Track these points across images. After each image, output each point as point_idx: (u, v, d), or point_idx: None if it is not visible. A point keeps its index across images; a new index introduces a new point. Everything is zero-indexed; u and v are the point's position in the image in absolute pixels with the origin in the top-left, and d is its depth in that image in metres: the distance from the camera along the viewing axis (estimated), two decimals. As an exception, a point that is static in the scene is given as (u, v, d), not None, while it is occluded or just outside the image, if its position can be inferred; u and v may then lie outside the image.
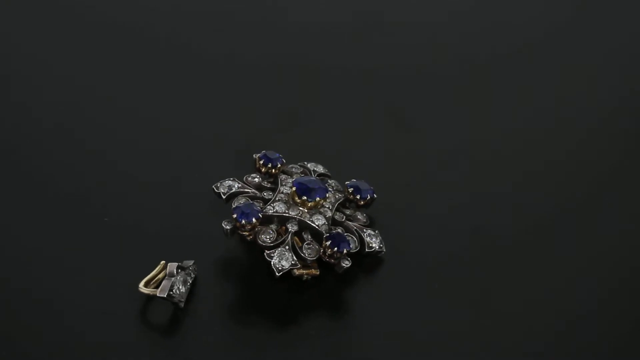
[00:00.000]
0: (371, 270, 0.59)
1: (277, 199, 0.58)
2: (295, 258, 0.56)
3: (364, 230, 0.59)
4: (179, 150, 0.65)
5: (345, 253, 0.56)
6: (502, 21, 0.79)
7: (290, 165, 0.61)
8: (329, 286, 0.58)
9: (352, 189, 0.60)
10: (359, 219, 0.60)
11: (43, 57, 0.72)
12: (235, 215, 0.56)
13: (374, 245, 0.59)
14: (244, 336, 0.56)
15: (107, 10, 0.77)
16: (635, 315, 0.58)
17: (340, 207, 0.60)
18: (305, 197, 0.58)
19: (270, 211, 0.57)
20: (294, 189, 0.58)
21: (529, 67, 0.74)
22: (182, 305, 0.56)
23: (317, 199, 0.58)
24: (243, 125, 0.67)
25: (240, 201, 0.58)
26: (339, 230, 0.58)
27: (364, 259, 0.59)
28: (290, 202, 0.58)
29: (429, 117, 0.69)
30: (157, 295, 0.55)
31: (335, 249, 0.56)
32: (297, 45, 0.75)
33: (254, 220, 0.56)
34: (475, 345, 0.56)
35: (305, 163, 0.62)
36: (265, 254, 0.56)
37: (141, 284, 0.56)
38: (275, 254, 0.56)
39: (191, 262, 0.57)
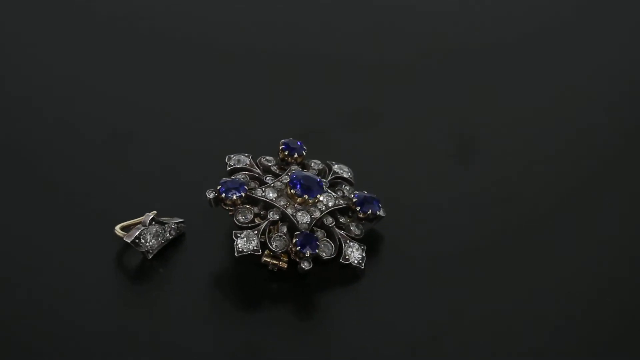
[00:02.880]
0: (371, 269, 0.59)
1: (272, 185, 0.58)
2: (258, 245, 0.56)
3: (348, 241, 0.58)
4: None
5: (309, 256, 0.56)
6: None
7: (313, 161, 0.61)
8: (321, 281, 0.58)
9: (356, 199, 0.59)
10: (351, 229, 0.59)
11: (42, 52, 0.73)
12: (219, 187, 0.57)
13: (351, 259, 0.58)
14: (203, 307, 0.57)
15: (117, 5, 0.78)
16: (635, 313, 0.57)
17: (338, 213, 0.59)
18: (293, 191, 0.58)
19: (259, 194, 0.58)
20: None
21: (530, 63, 0.73)
22: (149, 256, 0.58)
23: (306, 196, 0.58)
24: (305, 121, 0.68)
25: (237, 176, 0.59)
26: (320, 233, 0.58)
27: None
28: (283, 193, 0.58)
29: (426, 113, 0.69)
30: (124, 239, 0.58)
31: (298, 248, 0.56)
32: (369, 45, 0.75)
33: (234, 197, 0.57)
34: (474, 343, 0.55)
35: (333, 163, 0.61)
36: (233, 232, 0.57)
37: (118, 226, 0.58)
38: (242, 235, 0.57)
39: (177, 220, 0.59)
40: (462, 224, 0.61)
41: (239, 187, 0.57)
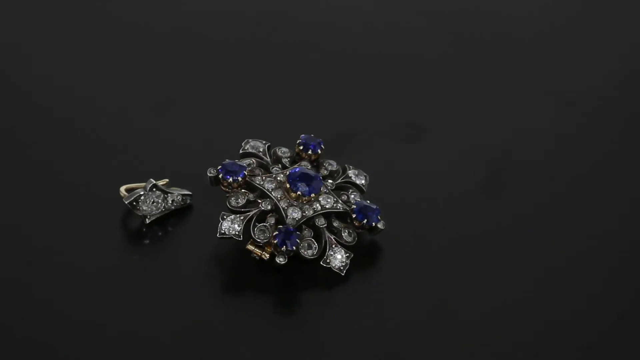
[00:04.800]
0: (368, 263, 0.59)
1: (274, 176, 0.59)
2: (241, 231, 0.57)
3: (334, 246, 0.57)
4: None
5: (285, 251, 0.56)
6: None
7: (328, 161, 0.61)
8: (313, 278, 0.58)
9: (354, 206, 0.58)
10: (342, 235, 0.58)
11: (44, 45, 0.73)
12: (218, 168, 0.58)
13: (332, 262, 0.57)
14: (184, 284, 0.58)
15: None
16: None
17: (335, 217, 0.59)
18: (288, 185, 0.58)
19: (257, 182, 0.58)
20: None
21: (526, 58, 0.73)
22: (147, 221, 0.60)
23: (299, 192, 0.58)
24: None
25: (245, 161, 0.59)
26: (307, 231, 0.57)
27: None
28: (281, 185, 0.58)
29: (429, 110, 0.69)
30: (123, 200, 0.59)
31: (276, 241, 0.56)
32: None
33: (230, 179, 0.58)
34: (472, 342, 0.55)
35: (350, 167, 0.61)
36: (221, 214, 0.57)
37: (123, 187, 0.60)
38: (227, 218, 0.57)
39: (184, 192, 0.60)
40: (460, 223, 0.61)
41: (237, 170, 0.58)
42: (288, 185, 0.58)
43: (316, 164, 0.60)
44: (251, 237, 0.57)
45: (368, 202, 0.59)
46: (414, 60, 0.73)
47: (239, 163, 0.58)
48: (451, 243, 0.60)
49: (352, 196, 0.59)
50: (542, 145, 0.66)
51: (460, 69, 0.73)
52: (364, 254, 0.59)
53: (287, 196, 0.58)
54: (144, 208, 0.59)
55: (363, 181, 0.60)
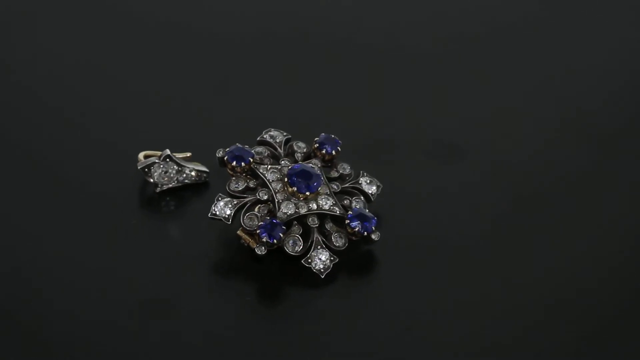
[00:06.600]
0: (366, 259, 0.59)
1: (279, 168, 0.59)
2: (231, 216, 0.57)
3: (319, 247, 0.57)
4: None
5: (266, 243, 0.56)
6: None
7: (342, 163, 0.60)
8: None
9: (351, 212, 0.58)
10: (331, 239, 0.58)
11: (45, 44, 0.73)
12: (226, 150, 0.59)
13: (313, 263, 0.57)
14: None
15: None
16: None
17: (331, 219, 0.58)
18: (286, 180, 0.58)
19: (260, 170, 0.59)
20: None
21: (526, 57, 0.73)
22: (157, 190, 0.61)
23: (294, 188, 0.58)
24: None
25: (257, 148, 0.60)
26: (296, 227, 0.57)
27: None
28: (283, 178, 0.58)
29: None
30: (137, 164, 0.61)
31: (258, 231, 0.56)
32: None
33: (234, 163, 0.58)
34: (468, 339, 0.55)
35: (364, 173, 0.60)
36: (217, 195, 0.58)
37: (143, 153, 0.62)
38: (221, 200, 0.58)
39: (200, 168, 0.61)
40: (460, 224, 0.61)
41: (243, 156, 0.58)
42: (286, 179, 0.58)
43: (330, 165, 0.60)
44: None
45: (367, 210, 0.58)
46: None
47: (247, 149, 0.59)
48: (451, 243, 0.59)
49: (355, 202, 0.59)
50: (542, 146, 0.66)
51: (461, 68, 0.72)
52: (363, 253, 0.59)
53: (286, 190, 0.58)
54: (155, 177, 0.61)
55: (373, 190, 0.60)
